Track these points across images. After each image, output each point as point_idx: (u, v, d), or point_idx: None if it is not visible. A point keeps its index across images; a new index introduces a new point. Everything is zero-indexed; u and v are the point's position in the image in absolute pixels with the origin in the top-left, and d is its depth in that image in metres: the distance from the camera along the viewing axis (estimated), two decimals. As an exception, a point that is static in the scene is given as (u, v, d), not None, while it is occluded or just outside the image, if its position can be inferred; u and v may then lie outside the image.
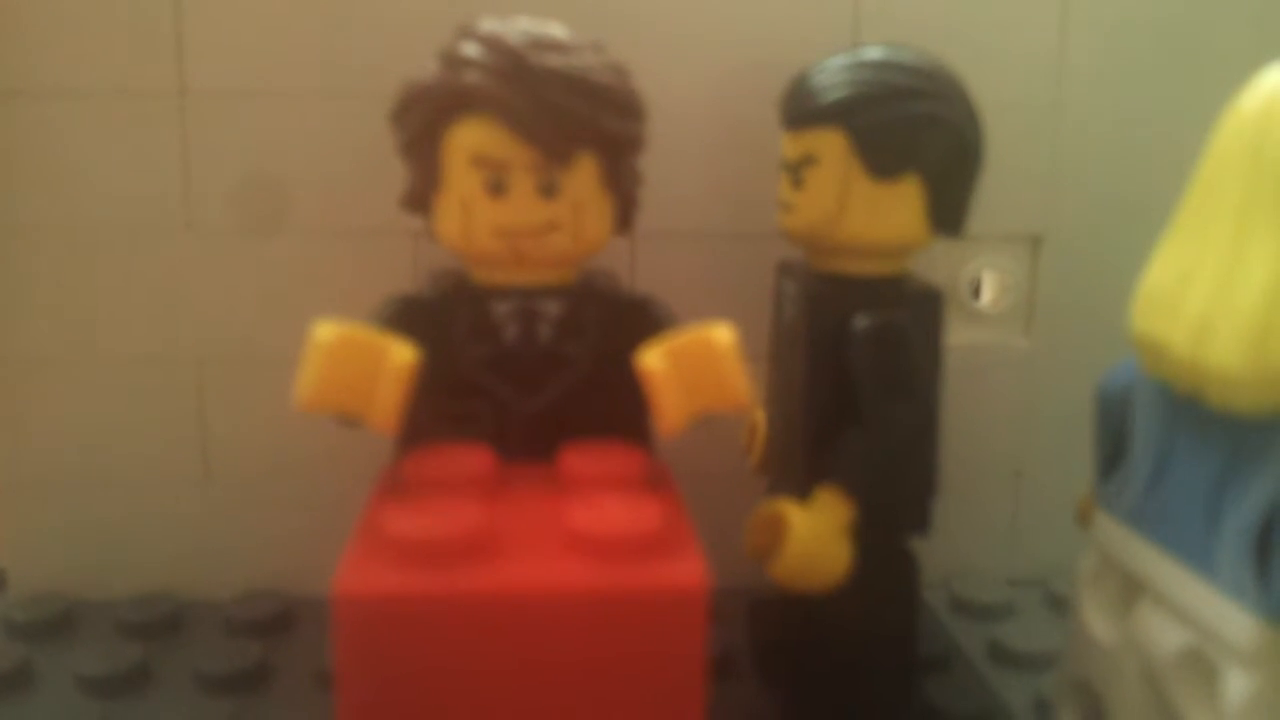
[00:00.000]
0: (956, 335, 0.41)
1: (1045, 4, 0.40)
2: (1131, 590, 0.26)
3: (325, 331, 0.27)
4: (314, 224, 0.38)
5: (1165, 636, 0.24)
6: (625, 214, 0.31)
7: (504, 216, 0.29)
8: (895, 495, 0.29)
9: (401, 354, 0.27)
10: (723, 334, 0.27)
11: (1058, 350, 0.42)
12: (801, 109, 0.31)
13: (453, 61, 0.29)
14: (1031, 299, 0.42)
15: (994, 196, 0.33)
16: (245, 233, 0.38)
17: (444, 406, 0.30)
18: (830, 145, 0.30)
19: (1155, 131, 0.40)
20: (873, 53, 0.30)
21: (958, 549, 0.41)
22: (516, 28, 0.29)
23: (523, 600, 0.23)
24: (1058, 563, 0.39)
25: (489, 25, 0.29)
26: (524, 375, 0.30)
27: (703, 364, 0.27)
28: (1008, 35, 0.40)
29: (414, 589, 0.23)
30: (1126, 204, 0.40)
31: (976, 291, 0.42)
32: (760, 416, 0.36)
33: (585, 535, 0.24)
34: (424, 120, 0.29)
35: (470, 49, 0.29)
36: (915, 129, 0.29)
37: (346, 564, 0.24)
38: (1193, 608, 0.24)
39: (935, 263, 0.40)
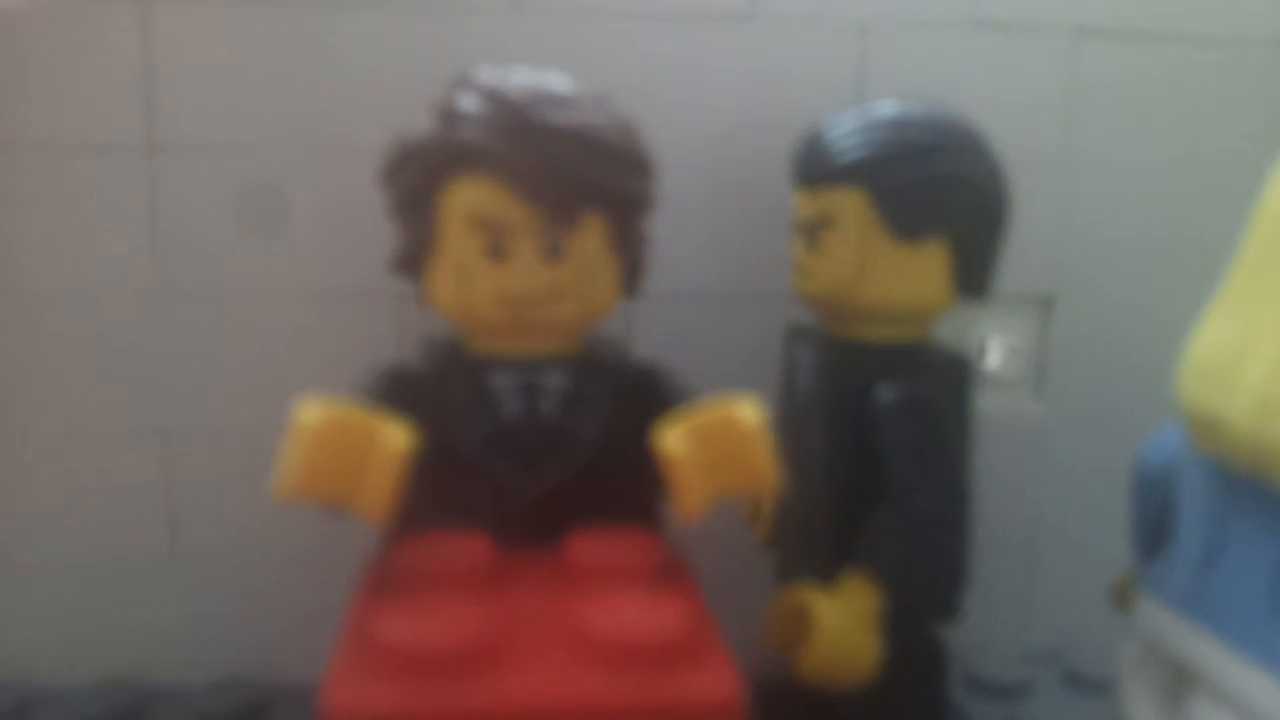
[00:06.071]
0: (967, 400, 0.40)
1: (1054, 59, 0.39)
2: (1182, 682, 0.25)
3: (311, 414, 0.24)
4: (290, 286, 0.37)
5: (1225, 734, 0.23)
6: (632, 277, 0.30)
7: (505, 282, 0.28)
8: (928, 580, 0.29)
9: (396, 439, 0.25)
10: (748, 412, 0.26)
11: (1072, 415, 0.41)
12: (817, 168, 0.30)
13: (449, 116, 0.28)
14: (1043, 362, 0.41)
15: (1004, 256, 0.32)
16: (216, 294, 0.37)
17: (438, 489, 0.28)
18: (849, 206, 0.29)
19: (1169, 188, 0.40)
20: (888, 109, 0.30)
21: (970, 622, 0.39)
22: (517, 80, 0.28)
23: (536, 718, 0.21)
24: (1074, 634, 0.39)
25: (487, 76, 0.28)
26: (525, 454, 0.29)
27: (729, 446, 0.26)
28: (1016, 90, 0.39)
29: (412, 706, 0.21)
30: (1141, 262, 0.39)
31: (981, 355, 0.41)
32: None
33: (602, 641, 0.23)
34: (418, 179, 0.28)
35: (468, 102, 0.28)
36: (939, 188, 0.29)
37: (335, 675, 0.22)
38: (1254, 701, 0.22)
39: (939, 326, 0.39)
